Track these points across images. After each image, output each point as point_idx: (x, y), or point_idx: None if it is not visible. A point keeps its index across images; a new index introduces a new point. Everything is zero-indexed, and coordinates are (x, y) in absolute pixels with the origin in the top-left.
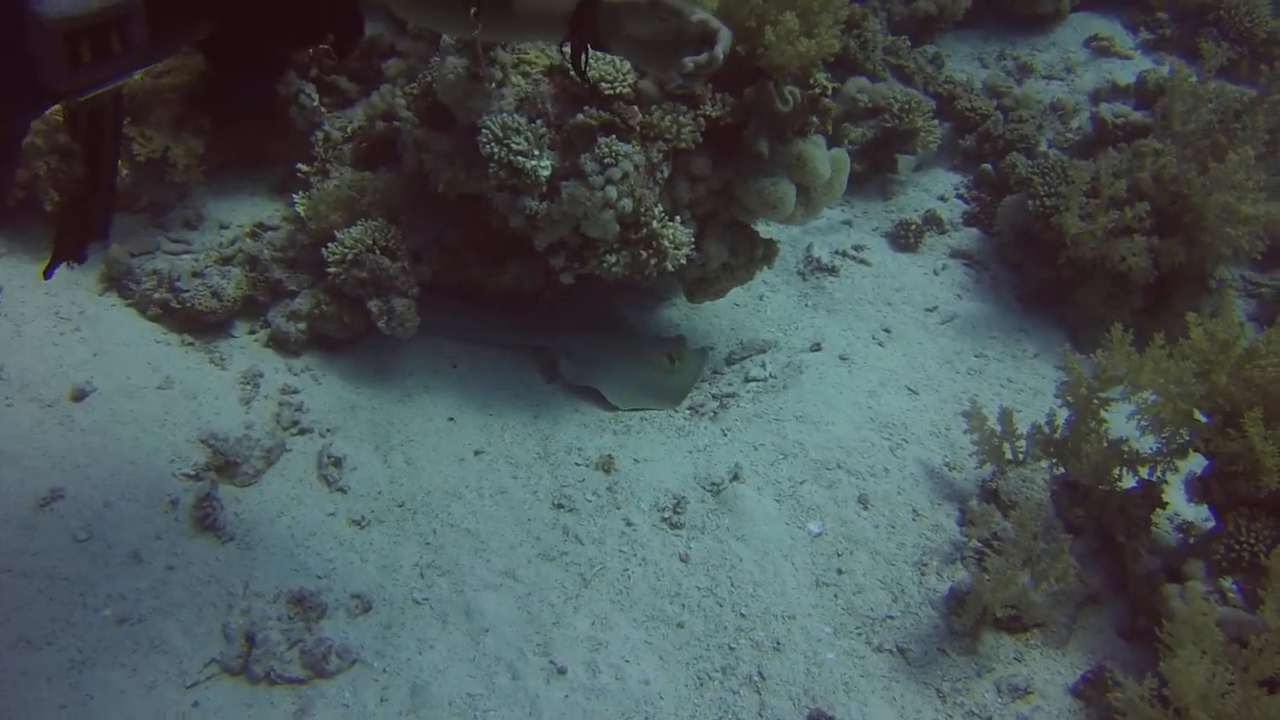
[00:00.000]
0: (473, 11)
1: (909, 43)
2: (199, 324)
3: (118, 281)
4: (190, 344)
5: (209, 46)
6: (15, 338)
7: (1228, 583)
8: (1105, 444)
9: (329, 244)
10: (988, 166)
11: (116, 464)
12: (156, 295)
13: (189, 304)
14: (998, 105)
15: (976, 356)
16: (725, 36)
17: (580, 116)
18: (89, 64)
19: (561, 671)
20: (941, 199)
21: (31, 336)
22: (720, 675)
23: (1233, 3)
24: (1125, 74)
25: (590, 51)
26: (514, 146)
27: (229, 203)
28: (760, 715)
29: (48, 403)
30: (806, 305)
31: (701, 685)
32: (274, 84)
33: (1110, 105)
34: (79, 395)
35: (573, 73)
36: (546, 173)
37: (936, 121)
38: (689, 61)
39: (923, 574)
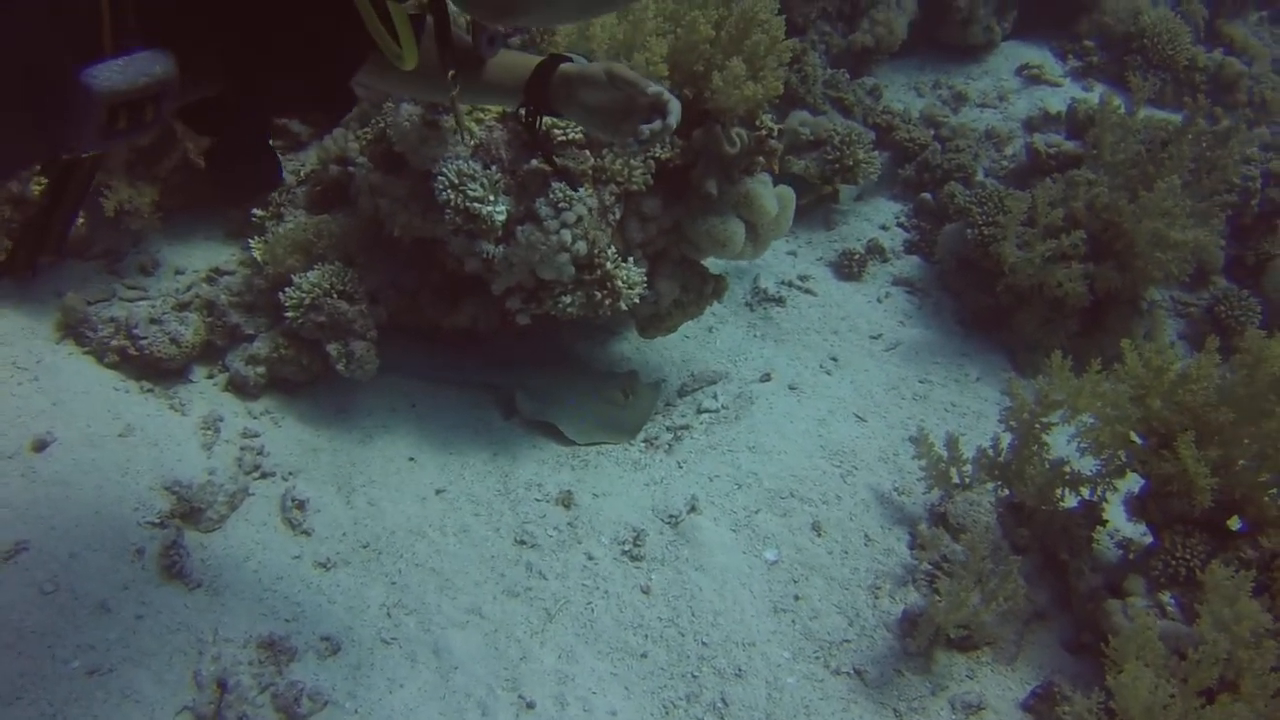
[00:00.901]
0: (450, 75)
1: (848, 75)
2: (157, 370)
3: (74, 329)
4: (149, 390)
5: (196, 112)
6: None
7: (1166, 597)
8: (1047, 466)
9: (286, 289)
10: (927, 196)
11: (80, 514)
12: (114, 342)
13: (147, 351)
14: (935, 135)
15: (921, 382)
16: (675, 108)
17: (534, 162)
18: (120, 130)
19: (530, 706)
20: (883, 228)
21: None
22: (685, 703)
23: (1156, 31)
24: (1056, 101)
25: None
26: (470, 193)
27: (184, 248)
28: None
29: (8, 454)
30: (755, 336)
31: (667, 714)
32: (268, 145)
33: (1044, 135)
34: (40, 445)
35: (524, 133)
36: (502, 218)
37: (876, 153)
38: (645, 129)
39: (876, 597)
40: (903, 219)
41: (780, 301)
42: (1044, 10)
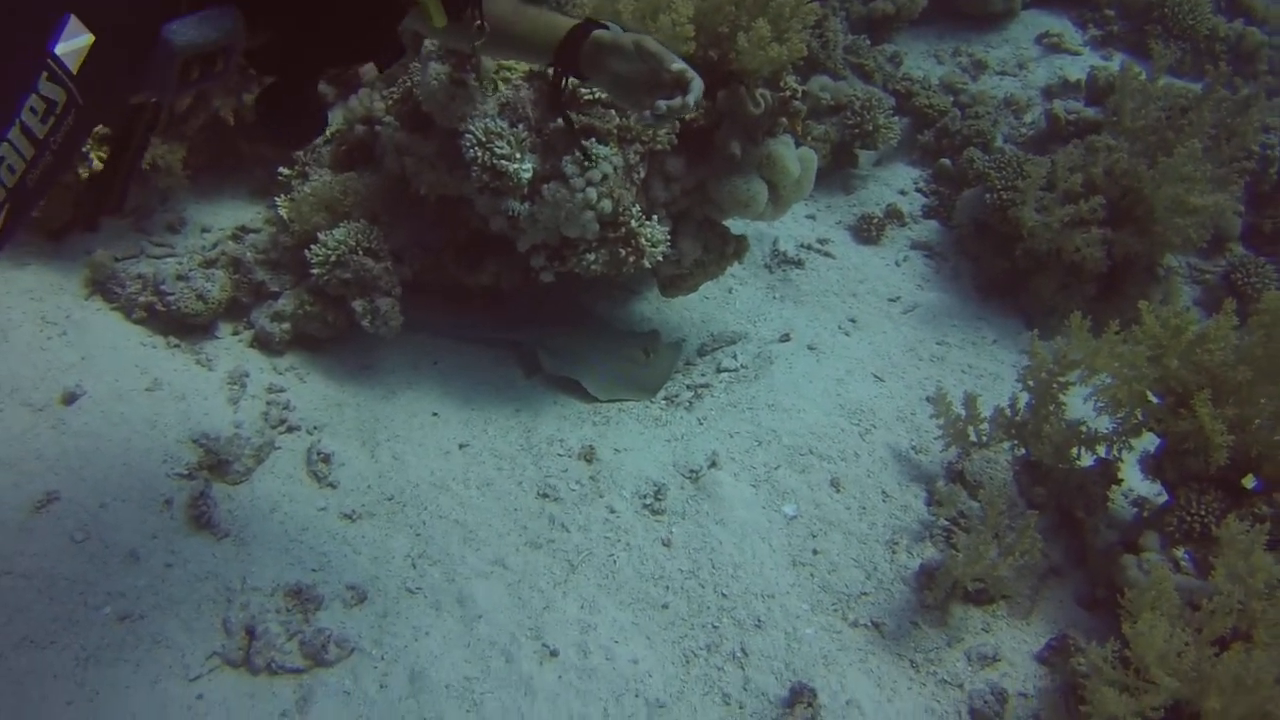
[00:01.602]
0: (477, 25)
1: (868, 42)
2: (184, 326)
3: (102, 285)
4: (176, 346)
5: (258, 57)
6: (2, 343)
7: (1180, 553)
8: (1064, 425)
9: (312, 246)
10: (946, 161)
11: (109, 466)
12: (142, 299)
13: (174, 307)
14: (954, 102)
15: (938, 344)
16: (698, 86)
17: (560, 120)
18: (193, 80)
19: (554, 654)
20: (901, 193)
21: (18, 342)
22: (705, 653)
23: (1176, 1)
24: (1075, 69)
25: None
26: (497, 150)
27: (210, 206)
28: (744, 689)
29: (38, 407)
30: (774, 297)
31: (688, 662)
32: (318, 92)
33: (1063, 102)
34: (69, 399)
35: (550, 94)
36: (528, 175)
37: (896, 118)
38: (662, 104)
39: (894, 552)
40: (921, 184)
41: (799, 264)
42: None
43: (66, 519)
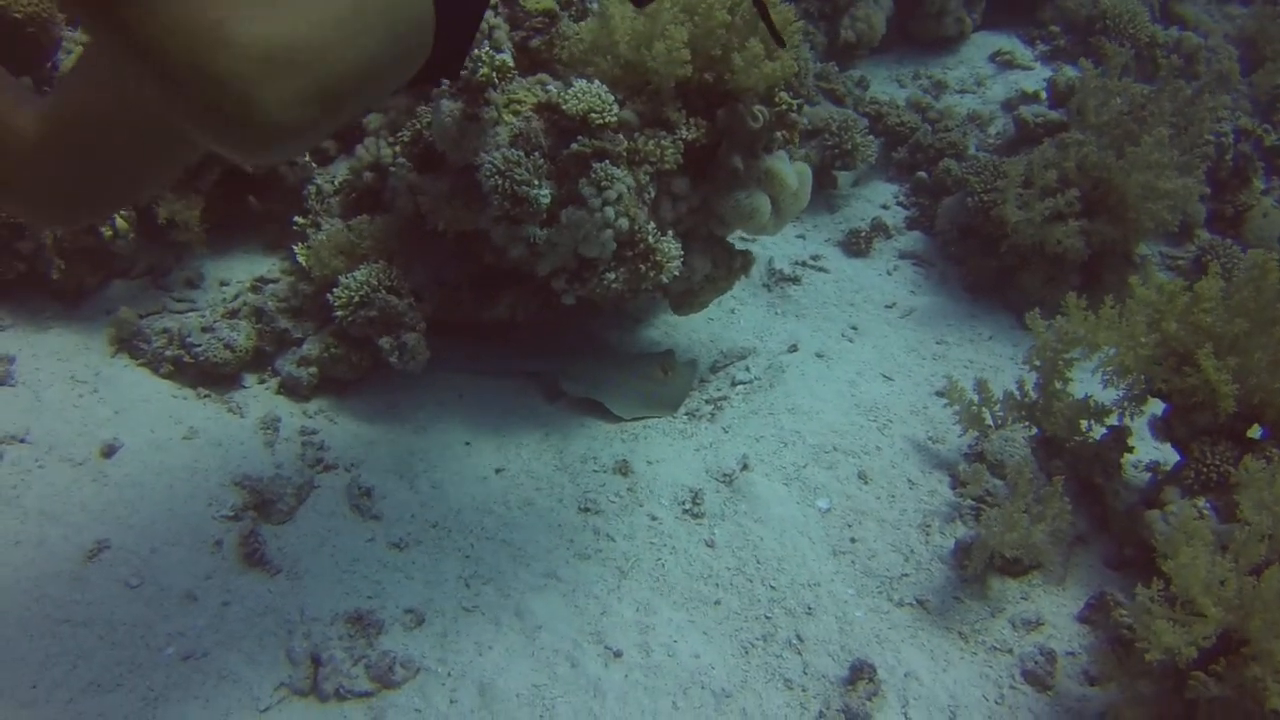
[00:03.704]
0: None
1: (837, 68)
2: (212, 377)
3: (128, 343)
4: (206, 396)
5: None
6: (36, 403)
7: (1201, 502)
8: (1073, 399)
9: (334, 289)
10: (923, 174)
11: (155, 512)
12: (168, 353)
13: (202, 358)
14: (923, 119)
15: (938, 343)
16: None
17: (574, 146)
18: None
19: (618, 655)
20: (884, 207)
21: (51, 401)
22: (762, 643)
23: (1116, 12)
24: (1030, 83)
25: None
26: (517, 177)
27: (225, 262)
28: (805, 673)
29: (78, 461)
30: (776, 313)
31: (747, 653)
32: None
33: (1029, 107)
34: (108, 451)
35: None
36: (547, 200)
37: (871, 137)
38: None
39: (927, 534)
40: (901, 198)
41: (796, 280)
42: (1009, 0)
43: (119, 566)
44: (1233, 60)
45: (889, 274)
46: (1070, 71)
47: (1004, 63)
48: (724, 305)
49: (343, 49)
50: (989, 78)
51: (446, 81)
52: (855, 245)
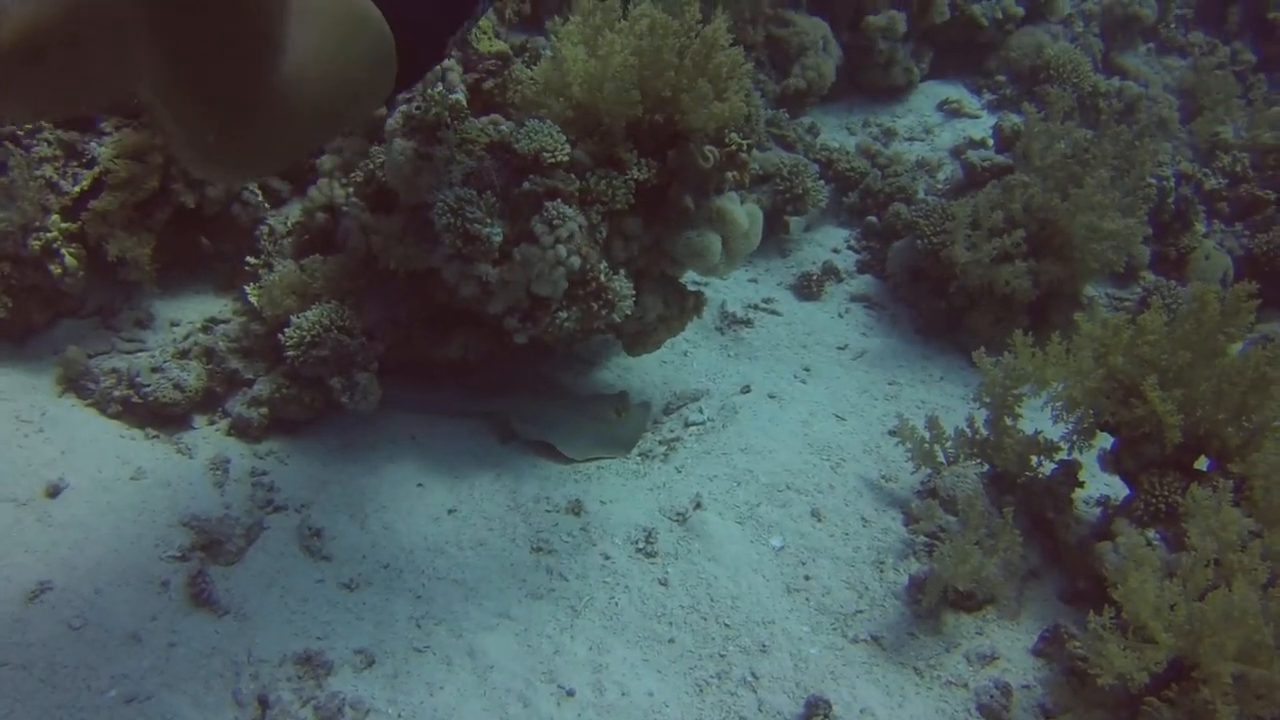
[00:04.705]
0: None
1: (787, 115)
2: (161, 417)
3: (75, 383)
4: (155, 437)
5: None
6: None
7: (1151, 534)
8: (1023, 436)
9: (286, 329)
10: (873, 219)
11: (101, 553)
12: (117, 393)
13: (152, 398)
14: (873, 164)
15: (890, 384)
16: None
17: (526, 185)
18: None
19: (570, 694)
20: (835, 251)
21: None
22: (717, 680)
23: (1060, 63)
24: (977, 131)
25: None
26: (469, 215)
27: (175, 302)
28: (760, 710)
29: (22, 501)
30: (729, 355)
31: (702, 691)
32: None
33: (976, 152)
34: (53, 491)
35: None
36: (499, 239)
37: (822, 182)
38: None
39: (881, 571)
40: (851, 242)
41: (748, 323)
42: (956, 51)
43: (62, 608)
44: (1172, 109)
45: (841, 316)
46: (1015, 119)
47: (951, 111)
48: (677, 348)
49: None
50: (937, 126)
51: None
52: (807, 289)
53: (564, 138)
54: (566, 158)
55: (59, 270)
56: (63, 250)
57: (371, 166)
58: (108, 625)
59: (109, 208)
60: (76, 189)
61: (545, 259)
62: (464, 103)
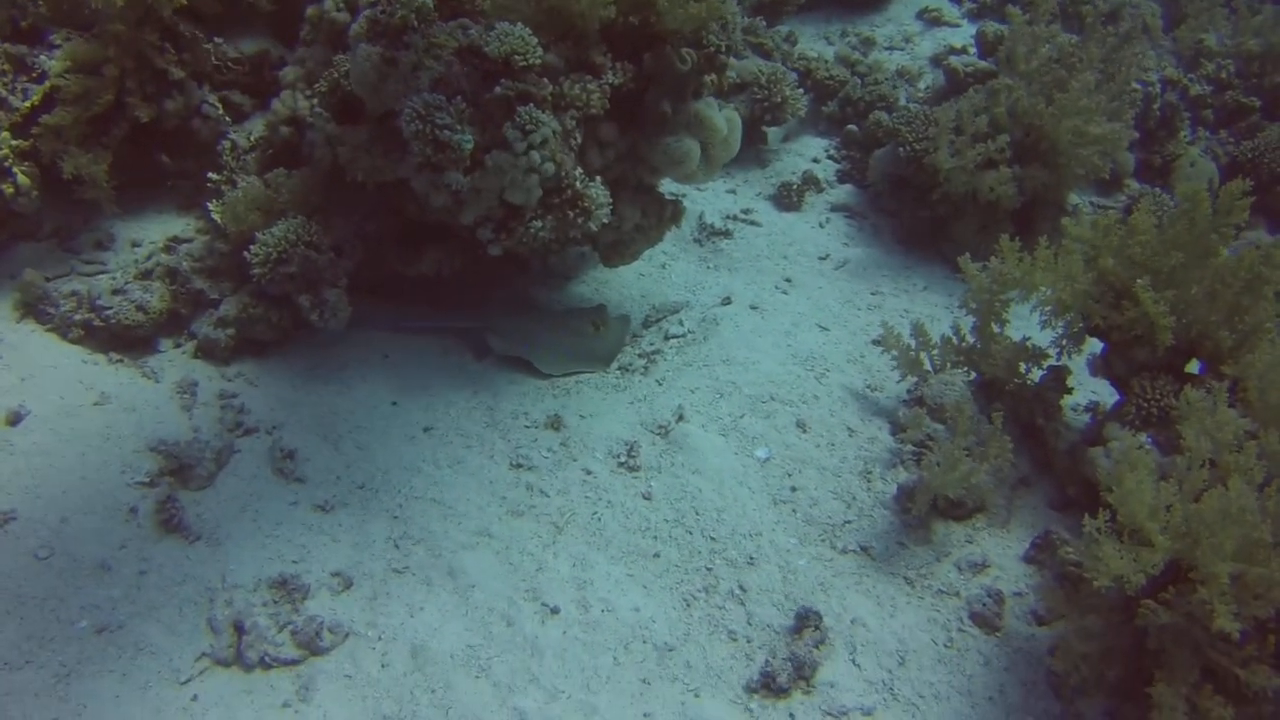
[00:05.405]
0: None
1: (764, 23)
2: (125, 340)
3: (34, 307)
4: (119, 361)
5: None
6: None
7: (1143, 437)
8: (1011, 342)
9: (251, 246)
10: (853, 127)
11: (66, 481)
12: (77, 317)
13: (113, 320)
14: (852, 73)
15: (873, 294)
16: None
17: (498, 90)
18: None
19: (555, 611)
20: (814, 161)
21: None
22: (704, 594)
23: None
24: (958, 39)
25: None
26: (439, 121)
27: (137, 222)
28: (749, 623)
29: None
30: (708, 267)
31: (689, 606)
32: None
33: (959, 57)
34: (14, 419)
35: None
36: (470, 146)
37: (801, 90)
38: None
39: (869, 481)
40: (831, 152)
41: (728, 234)
42: None
43: (27, 537)
44: (1155, 17)
45: (821, 227)
46: (998, 25)
47: (931, 20)
48: (654, 260)
49: None
50: (917, 34)
51: None
52: (787, 199)
53: (535, 40)
54: (539, 61)
55: (11, 189)
56: (14, 169)
57: (336, 75)
58: (75, 554)
59: (62, 123)
60: (27, 104)
61: (518, 165)
62: (430, 5)
